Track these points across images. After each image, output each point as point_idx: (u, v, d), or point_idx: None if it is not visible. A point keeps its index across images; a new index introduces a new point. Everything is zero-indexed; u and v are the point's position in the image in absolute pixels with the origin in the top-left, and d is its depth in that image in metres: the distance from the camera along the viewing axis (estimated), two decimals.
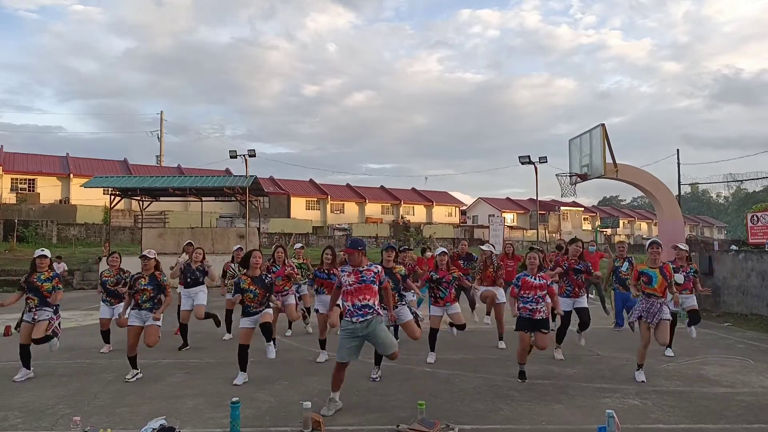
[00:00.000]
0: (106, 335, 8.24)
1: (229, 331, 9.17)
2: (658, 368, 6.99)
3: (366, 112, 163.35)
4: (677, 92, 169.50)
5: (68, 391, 5.98)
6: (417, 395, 5.39)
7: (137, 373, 6.49)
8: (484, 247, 8.73)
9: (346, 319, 5.23)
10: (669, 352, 7.73)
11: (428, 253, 8.89)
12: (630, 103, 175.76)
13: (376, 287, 5.30)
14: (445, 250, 7.73)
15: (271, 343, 6.52)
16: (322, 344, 7.53)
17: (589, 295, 11.73)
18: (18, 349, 6.63)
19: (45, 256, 6.70)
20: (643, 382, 6.34)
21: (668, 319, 6.43)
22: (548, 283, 6.55)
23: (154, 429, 4.48)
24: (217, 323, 8.74)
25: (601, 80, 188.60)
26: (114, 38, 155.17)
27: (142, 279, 6.60)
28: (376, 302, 5.27)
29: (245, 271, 6.44)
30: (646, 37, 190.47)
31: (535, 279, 6.50)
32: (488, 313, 9.00)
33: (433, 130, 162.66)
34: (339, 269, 5.57)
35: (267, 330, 6.38)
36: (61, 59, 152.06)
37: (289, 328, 9.58)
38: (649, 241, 6.79)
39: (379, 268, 5.43)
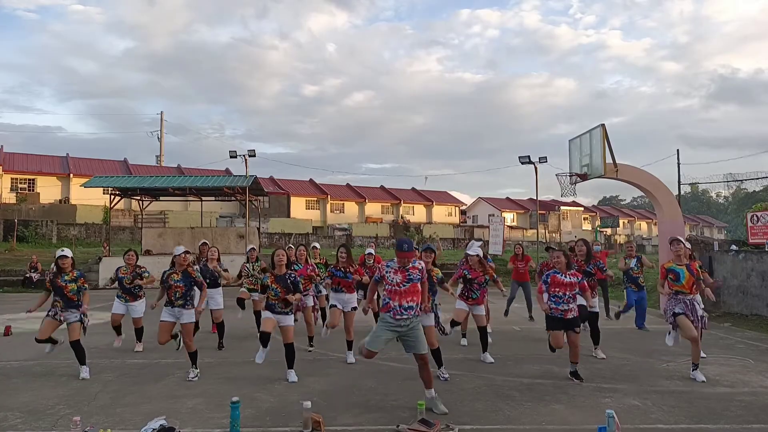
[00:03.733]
0: (117, 329, 8.30)
1: (242, 308, 9.54)
2: (658, 368, 6.99)
3: (366, 112, 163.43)
4: (675, 92, 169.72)
5: (68, 391, 5.98)
6: (417, 395, 5.39)
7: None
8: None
9: (389, 314, 5.27)
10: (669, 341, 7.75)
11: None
12: (630, 103, 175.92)
13: (419, 286, 5.36)
14: (478, 250, 7.48)
15: (293, 370, 6.43)
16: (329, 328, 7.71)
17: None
18: (17, 350, 6.61)
19: (65, 257, 6.65)
20: (703, 381, 6.28)
21: (703, 318, 6.51)
22: (579, 279, 6.43)
23: (154, 429, 4.48)
24: (221, 335, 8.69)
25: (600, 80, 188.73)
26: (113, 38, 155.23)
27: (175, 275, 6.60)
28: (419, 302, 5.37)
29: (271, 270, 6.48)
30: (645, 37, 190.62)
31: (565, 277, 6.37)
32: (464, 335, 8.59)
33: (432, 130, 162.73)
34: (383, 264, 5.55)
35: (290, 354, 6.39)
36: (61, 59, 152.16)
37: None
38: (671, 238, 6.75)
39: (423, 264, 5.47)
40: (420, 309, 5.41)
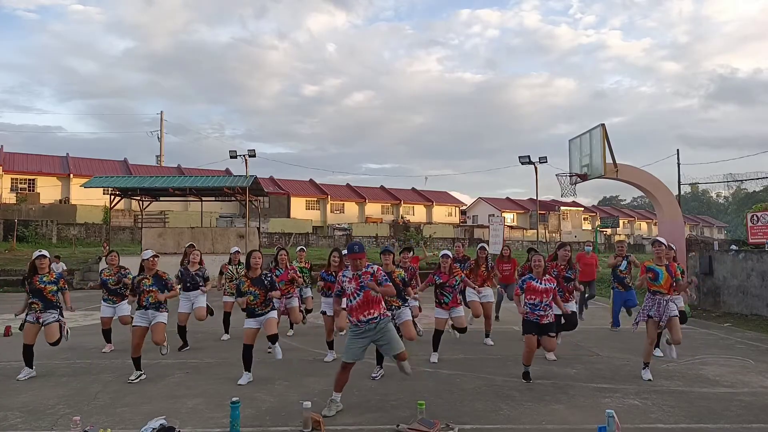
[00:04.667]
0: (107, 334, 8.25)
1: (227, 331, 9.16)
2: (658, 368, 6.98)
3: (366, 112, 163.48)
4: (675, 92, 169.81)
5: (68, 391, 5.98)
6: (417, 395, 5.39)
7: (141, 374, 6.46)
8: (485, 247, 9.01)
9: (354, 326, 5.25)
10: (657, 352, 7.55)
11: (411, 254, 8.72)
12: (630, 103, 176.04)
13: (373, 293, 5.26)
14: (448, 253, 7.54)
15: (277, 344, 6.47)
16: (330, 345, 7.57)
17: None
18: (17, 350, 6.61)
19: (44, 257, 6.68)
20: (649, 380, 6.32)
21: (676, 316, 6.39)
22: (554, 285, 6.40)
23: (153, 429, 4.48)
24: (211, 313, 8.68)
25: (600, 80, 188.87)
26: (113, 38, 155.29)
27: (146, 280, 6.58)
28: (381, 308, 5.27)
29: (246, 272, 6.43)
30: (645, 37, 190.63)
31: (541, 284, 6.32)
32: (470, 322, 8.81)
33: (432, 130, 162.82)
34: (340, 275, 5.49)
35: (274, 340, 6.44)
36: (61, 59, 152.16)
37: (291, 328, 9.59)
38: (652, 239, 6.80)
39: (376, 267, 5.34)
40: (386, 312, 5.37)
